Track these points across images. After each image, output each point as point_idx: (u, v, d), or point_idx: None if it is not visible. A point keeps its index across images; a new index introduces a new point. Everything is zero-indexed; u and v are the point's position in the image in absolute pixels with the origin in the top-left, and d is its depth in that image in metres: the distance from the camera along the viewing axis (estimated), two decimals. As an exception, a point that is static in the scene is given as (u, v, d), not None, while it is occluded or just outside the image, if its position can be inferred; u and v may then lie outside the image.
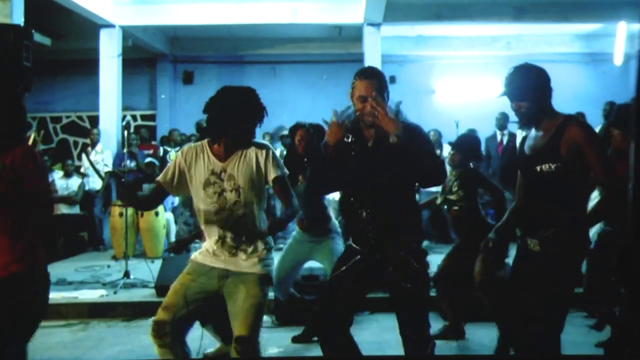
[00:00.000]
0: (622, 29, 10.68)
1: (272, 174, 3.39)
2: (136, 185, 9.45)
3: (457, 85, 12.60)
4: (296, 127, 5.12)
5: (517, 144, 3.55)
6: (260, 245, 3.44)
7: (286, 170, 3.49)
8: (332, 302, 3.36)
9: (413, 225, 3.36)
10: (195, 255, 3.52)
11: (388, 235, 3.28)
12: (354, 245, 3.38)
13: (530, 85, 3.21)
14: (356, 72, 3.36)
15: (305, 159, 4.93)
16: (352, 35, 11.31)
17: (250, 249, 3.41)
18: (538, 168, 3.18)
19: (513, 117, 3.38)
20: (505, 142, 9.48)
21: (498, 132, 9.57)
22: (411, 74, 12.52)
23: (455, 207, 5.07)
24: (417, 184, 3.71)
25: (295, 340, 5.24)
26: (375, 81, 3.25)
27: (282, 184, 3.45)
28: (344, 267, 3.35)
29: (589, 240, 3.29)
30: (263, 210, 3.51)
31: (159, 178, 3.52)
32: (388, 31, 10.80)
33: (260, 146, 3.44)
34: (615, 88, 10.59)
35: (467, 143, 5.17)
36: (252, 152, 3.41)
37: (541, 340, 3.21)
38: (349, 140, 3.36)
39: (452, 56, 12.58)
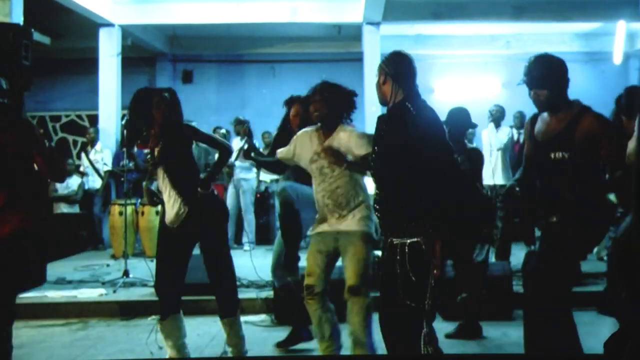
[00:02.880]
0: (622, 27, 10.67)
1: (357, 151, 3.97)
2: (136, 184, 9.46)
3: (456, 85, 12.60)
4: (292, 100, 4.94)
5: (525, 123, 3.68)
6: (362, 208, 4.03)
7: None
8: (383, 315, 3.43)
9: (421, 214, 3.17)
10: (311, 229, 4.22)
11: (393, 223, 3.31)
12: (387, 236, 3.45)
13: (550, 74, 3.31)
14: None
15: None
16: (351, 34, 11.30)
17: (350, 213, 4.02)
18: (552, 155, 3.28)
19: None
20: (522, 140, 9.40)
21: (515, 131, 9.53)
22: (410, 73, 12.50)
23: None
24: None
25: (279, 346, 4.96)
26: (379, 65, 3.49)
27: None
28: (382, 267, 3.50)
29: (608, 212, 3.41)
30: (361, 180, 4.11)
31: (280, 155, 4.37)
32: (387, 30, 10.79)
33: (350, 130, 4.08)
34: (615, 87, 10.55)
35: (455, 117, 5.25)
36: (343, 133, 4.06)
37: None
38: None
39: (451, 55, 12.58)
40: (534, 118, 3.49)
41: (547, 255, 3.37)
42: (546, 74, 3.30)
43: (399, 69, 3.39)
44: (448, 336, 5.28)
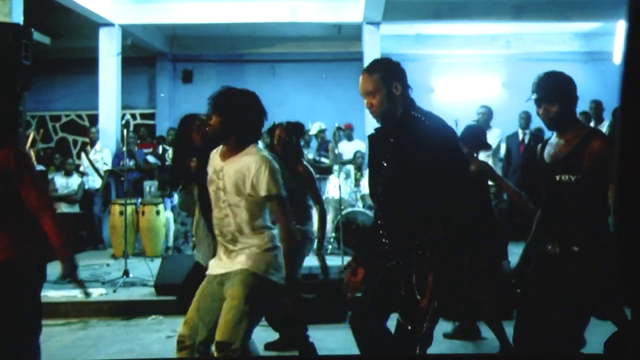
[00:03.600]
0: (622, 27, 10.66)
1: (262, 191, 3.27)
2: (137, 183, 9.47)
3: (457, 84, 12.60)
4: (274, 127, 4.94)
5: (530, 149, 3.61)
6: (255, 245, 3.30)
7: (281, 191, 3.34)
8: (366, 317, 3.23)
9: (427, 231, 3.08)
10: (209, 267, 3.48)
11: (399, 241, 3.08)
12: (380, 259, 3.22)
13: (561, 90, 3.25)
14: None
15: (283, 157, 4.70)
16: (351, 34, 11.31)
17: (241, 249, 3.30)
18: (557, 177, 3.20)
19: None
20: (527, 140, 9.42)
21: (520, 131, 9.53)
22: (410, 73, 12.14)
23: None
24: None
25: (268, 347, 4.93)
26: (369, 74, 3.10)
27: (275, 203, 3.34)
28: (371, 279, 3.23)
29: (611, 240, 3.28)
30: (262, 213, 3.36)
31: None
32: (387, 30, 10.80)
33: (261, 157, 3.31)
34: (615, 87, 10.43)
35: (471, 134, 5.08)
36: (249, 158, 3.30)
37: (564, 342, 3.20)
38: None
39: (451, 55, 12.58)
40: (544, 145, 3.43)
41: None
42: (557, 89, 3.24)
43: (403, 75, 3.18)
44: (446, 336, 5.28)
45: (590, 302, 3.26)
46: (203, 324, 3.28)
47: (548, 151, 3.35)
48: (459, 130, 5.32)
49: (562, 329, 3.21)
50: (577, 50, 12.45)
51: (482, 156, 7.82)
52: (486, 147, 5.25)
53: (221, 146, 3.46)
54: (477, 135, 5.13)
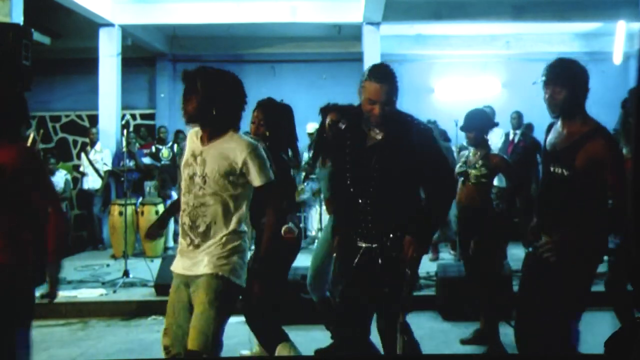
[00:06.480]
0: (622, 28, 10.66)
1: (255, 180, 3.14)
2: (137, 183, 9.47)
3: (457, 84, 12.60)
4: (328, 109, 4.70)
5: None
6: (222, 244, 3.13)
7: (272, 176, 3.21)
8: (351, 313, 3.39)
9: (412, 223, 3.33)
10: (173, 264, 3.30)
11: (386, 228, 3.28)
12: (358, 242, 3.36)
13: (573, 75, 3.20)
14: (368, 70, 3.31)
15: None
16: (351, 34, 11.31)
17: (208, 248, 3.13)
18: (552, 168, 3.16)
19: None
20: (516, 140, 9.44)
21: (511, 131, 9.55)
22: (410, 73, 12.48)
23: (471, 182, 4.96)
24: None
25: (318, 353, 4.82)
26: (385, 85, 3.24)
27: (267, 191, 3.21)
28: (353, 271, 3.36)
29: (601, 245, 3.23)
30: (239, 209, 3.19)
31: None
32: (387, 30, 10.79)
33: (247, 143, 3.15)
34: (615, 87, 10.56)
35: (473, 118, 5.05)
36: (234, 144, 3.14)
37: (557, 336, 3.18)
38: (343, 127, 3.46)
39: (451, 55, 12.58)
40: (550, 126, 3.37)
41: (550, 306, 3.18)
42: (569, 75, 3.18)
43: None
44: (463, 342, 5.19)
45: (575, 293, 3.19)
46: (184, 332, 3.12)
47: (549, 138, 3.30)
48: (458, 131, 5.29)
49: (554, 323, 3.19)
50: (577, 50, 12.42)
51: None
52: (492, 125, 5.20)
53: (198, 129, 3.26)
54: (479, 117, 5.07)
